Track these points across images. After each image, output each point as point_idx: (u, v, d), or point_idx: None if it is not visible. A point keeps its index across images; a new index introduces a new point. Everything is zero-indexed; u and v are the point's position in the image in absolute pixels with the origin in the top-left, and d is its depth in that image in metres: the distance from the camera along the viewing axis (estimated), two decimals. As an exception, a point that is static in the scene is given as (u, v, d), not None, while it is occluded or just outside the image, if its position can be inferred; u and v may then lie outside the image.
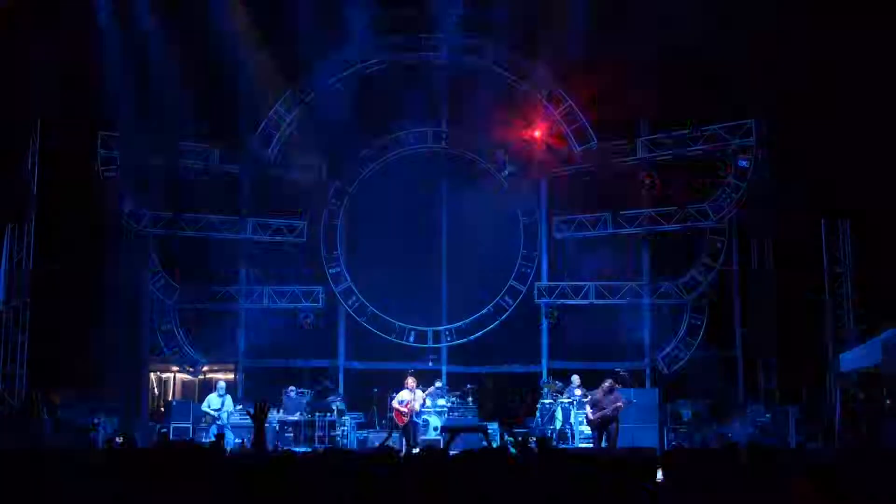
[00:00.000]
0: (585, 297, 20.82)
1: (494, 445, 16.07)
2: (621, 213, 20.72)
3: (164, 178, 20.93)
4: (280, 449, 15.74)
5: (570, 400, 18.13)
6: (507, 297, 21.35)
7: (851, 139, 16.40)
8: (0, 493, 5.28)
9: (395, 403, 17.02)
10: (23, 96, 17.77)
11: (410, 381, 17.14)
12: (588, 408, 16.22)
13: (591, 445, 16.38)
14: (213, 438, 17.26)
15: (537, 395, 19.19)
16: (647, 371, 20.72)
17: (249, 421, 18.22)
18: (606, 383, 16.15)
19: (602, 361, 20.15)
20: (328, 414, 18.51)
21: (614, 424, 15.91)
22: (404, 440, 16.72)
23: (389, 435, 17.15)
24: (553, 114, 20.95)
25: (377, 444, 16.91)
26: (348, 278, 21.59)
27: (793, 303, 19.57)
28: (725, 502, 5.09)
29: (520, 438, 15.87)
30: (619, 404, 15.94)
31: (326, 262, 21.57)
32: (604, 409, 15.84)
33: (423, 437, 17.07)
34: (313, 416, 18.41)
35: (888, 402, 15.24)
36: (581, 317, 20.94)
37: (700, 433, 18.14)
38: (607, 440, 15.85)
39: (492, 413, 20.07)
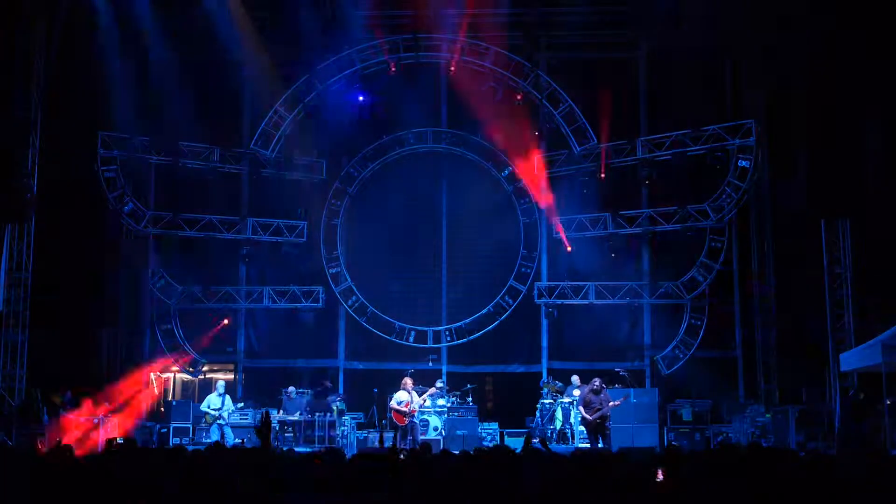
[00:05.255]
0: (585, 297, 20.81)
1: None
2: (621, 213, 20.71)
3: (164, 178, 20.97)
4: (280, 449, 15.76)
5: (570, 400, 18.13)
6: (507, 297, 21.34)
7: (851, 139, 16.40)
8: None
9: (392, 404, 17.02)
10: (23, 96, 17.78)
11: (408, 382, 17.15)
12: (581, 409, 16.18)
13: (589, 446, 16.36)
14: (214, 438, 17.30)
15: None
16: (647, 371, 20.71)
17: (250, 420, 18.41)
18: (595, 383, 16.16)
19: (602, 361, 20.15)
20: (328, 414, 18.50)
21: (609, 424, 15.94)
22: (403, 440, 16.73)
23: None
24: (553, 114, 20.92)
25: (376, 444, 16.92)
26: (348, 278, 21.59)
27: (792, 301, 19.59)
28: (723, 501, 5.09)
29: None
30: (616, 402, 15.95)
31: (326, 262, 21.57)
32: (599, 408, 15.83)
33: (422, 438, 17.06)
34: (313, 416, 18.41)
35: (888, 402, 15.20)
36: (581, 317, 20.94)
37: (700, 433, 18.14)
38: (604, 441, 15.85)
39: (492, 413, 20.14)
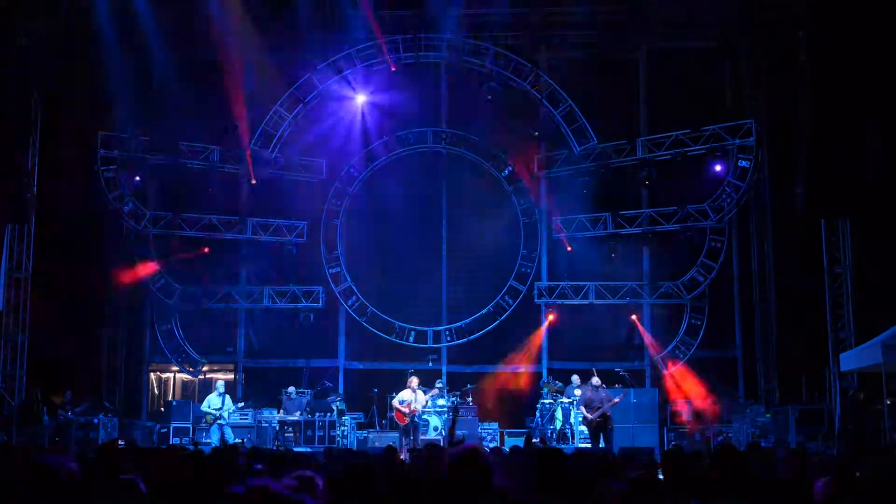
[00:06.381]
0: (585, 297, 20.81)
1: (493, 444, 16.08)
2: (621, 213, 20.71)
3: (164, 178, 20.95)
4: (280, 448, 15.77)
5: (570, 400, 18.13)
6: (507, 297, 21.34)
7: (851, 139, 16.40)
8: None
9: (395, 402, 17.00)
10: (23, 96, 17.77)
11: (414, 381, 17.15)
12: (583, 409, 16.17)
13: (589, 446, 16.36)
14: (214, 438, 17.28)
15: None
16: (648, 371, 20.72)
17: (250, 420, 18.40)
18: (594, 380, 16.16)
19: (602, 361, 20.13)
20: (328, 414, 18.49)
21: (611, 424, 15.92)
22: (404, 440, 16.73)
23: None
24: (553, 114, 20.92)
25: (378, 444, 16.91)
26: (348, 278, 21.59)
27: (792, 301, 19.58)
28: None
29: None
30: (616, 399, 15.94)
31: (326, 262, 21.56)
32: (600, 407, 15.83)
33: (423, 437, 17.06)
34: (313, 416, 18.40)
35: (888, 401, 15.19)
36: (581, 317, 20.93)
37: (700, 433, 18.14)
38: (605, 441, 15.83)
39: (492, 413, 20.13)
